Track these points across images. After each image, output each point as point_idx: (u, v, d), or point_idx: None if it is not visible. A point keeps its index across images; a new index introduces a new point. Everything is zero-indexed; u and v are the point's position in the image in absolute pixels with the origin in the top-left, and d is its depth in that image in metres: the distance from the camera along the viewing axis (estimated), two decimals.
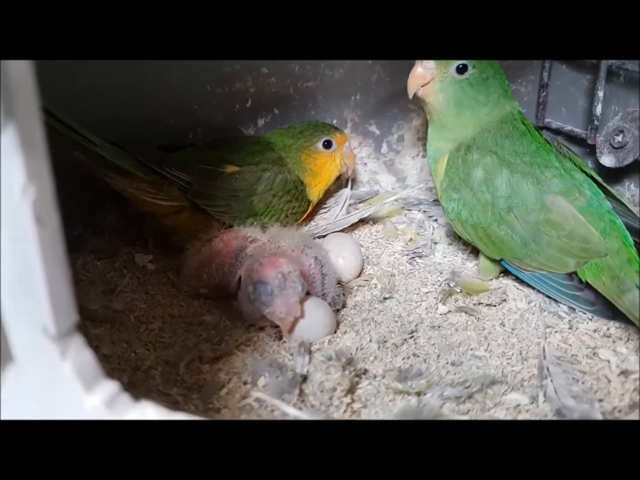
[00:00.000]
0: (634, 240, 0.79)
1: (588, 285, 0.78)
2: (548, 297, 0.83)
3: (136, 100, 0.92)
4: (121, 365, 0.72)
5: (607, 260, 0.76)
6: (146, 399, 0.46)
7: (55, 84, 0.81)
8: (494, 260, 0.85)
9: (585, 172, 0.83)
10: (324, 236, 0.98)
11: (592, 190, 0.81)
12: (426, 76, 0.89)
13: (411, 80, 0.88)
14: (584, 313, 0.80)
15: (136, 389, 0.68)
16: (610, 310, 0.77)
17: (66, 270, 0.42)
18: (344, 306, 0.85)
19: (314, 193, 1.02)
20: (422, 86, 0.88)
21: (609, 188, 0.83)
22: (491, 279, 0.88)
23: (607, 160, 0.89)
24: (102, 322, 0.78)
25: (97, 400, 0.43)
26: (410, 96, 0.89)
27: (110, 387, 0.44)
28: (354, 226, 1.01)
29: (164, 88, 0.94)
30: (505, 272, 0.87)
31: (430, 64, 0.86)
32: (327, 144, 1.00)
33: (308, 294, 0.80)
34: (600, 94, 0.89)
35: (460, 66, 0.85)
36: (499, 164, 0.81)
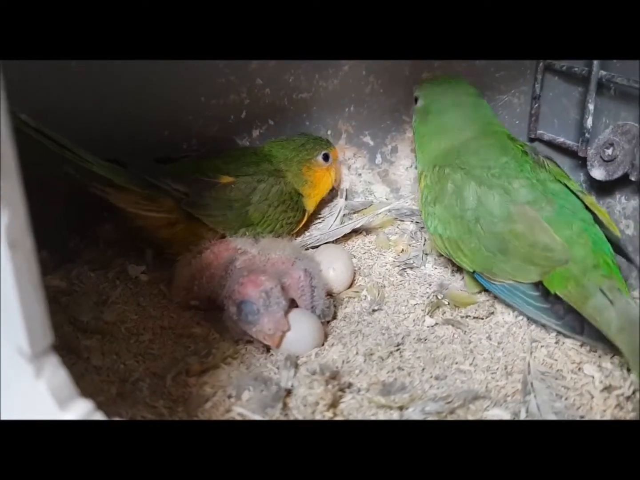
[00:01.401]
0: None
1: (557, 299, 0.77)
2: None
3: (131, 111, 0.93)
4: (110, 377, 0.73)
5: (570, 268, 0.75)
6: (120, 417, 0.47)
7: (47, 94, 0.83)
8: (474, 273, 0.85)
9: (564, 183, 0.83)
10: (317, 246, 0.99)
11: (567, 200, 0.81)
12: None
13: None
14: (553, 328, 0.79)
15: (124, 400, 0.69)
16: (579, 324, 0.76)
17: (41, 292, 0.43)
18: (334, 317, 0.86)
19: (311, 204, 1.04)
20: None
21: (584, 201, 0.81)
22: (478, 292, 0.88)
23: (598, 173, 0.88)
24: (93, 333, 0.79)
25: (71, 419, 0.44)
26: None
27: (84, 406, 0.45)
28: (347, 237, 1.02)
29: (158, 99, 0.95)
30: None
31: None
32: (326, 157, 1.04)
33: (297, 306, 0.81)
34: (591, 106, 0.89)
35: (416, 95, 0.94)
36: (467, 178, 0.83)
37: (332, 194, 1.11)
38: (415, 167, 1.12)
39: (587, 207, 0.81)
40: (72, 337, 0.78)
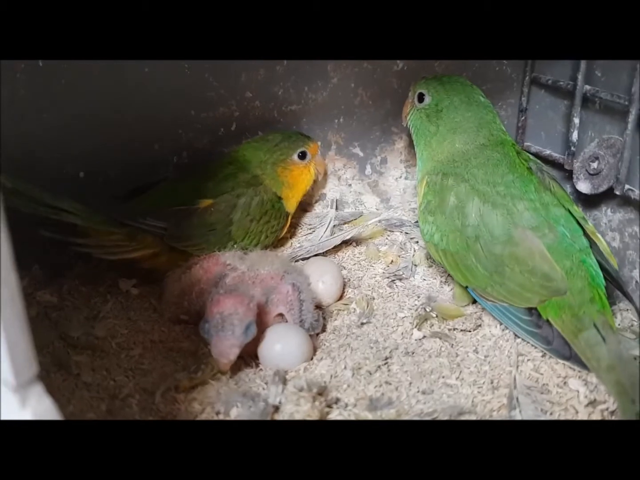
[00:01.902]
0: (607, 281, 0.79)
1: (548, 323, 0.78)
2: None
3: (120, 124, 0.94)
4: (100, 394, 0.73)
5: (567, 299, 0.76)
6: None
7: (37, 102, 0.84)
8: (466, 287, 0.86)
9: (567, 208, 0.82)
10: (308, 258, 1.00)
11: (568, 227, 0.80)
12: (407, 104, 0.93)
13: (403, 110, 0.97)
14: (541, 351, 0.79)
15: (113, 417, 0.70)
16: (567, 350, 0.76)
17: (25, 325, 0.44)
18: (323, 330, 0.86)
19: (291, 205, 1.03)
20: (406, 115, 0.95)
21: (585, 229, 0.81)
22: (466, 305, 0.88)
23: (583, 186, 0.89)
24: (83, 349, 0.80)
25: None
26: (404, 124, 0.98)
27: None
28: (337, 248, 1.02)
29: (148, 112, 0.95)
30: None
31: (411, 94, 0.93)
32: (302, 155, 1.02)
33: (285, 320, 0.82)
34: (576, 120, 0.90)
35: (420, 94, 0.90)
36: (471, 192, 0.82)
37: (324, 204, 1.12)
38: (405, 178, 1.13)
39: (585, 234, 0.81)
40: (62, 353, 0.79)
